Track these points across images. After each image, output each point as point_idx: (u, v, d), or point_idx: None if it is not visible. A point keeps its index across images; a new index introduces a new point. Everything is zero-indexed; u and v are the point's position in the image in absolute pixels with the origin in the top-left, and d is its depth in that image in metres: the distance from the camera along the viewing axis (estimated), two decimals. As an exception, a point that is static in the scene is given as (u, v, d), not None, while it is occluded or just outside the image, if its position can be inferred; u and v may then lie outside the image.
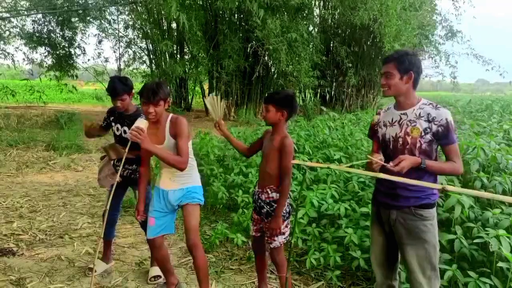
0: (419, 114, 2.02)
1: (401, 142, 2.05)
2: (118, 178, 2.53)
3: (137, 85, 16.77)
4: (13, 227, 4.03)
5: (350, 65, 13.88)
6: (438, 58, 18.34)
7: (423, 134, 1.99)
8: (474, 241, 2.62)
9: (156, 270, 3.07)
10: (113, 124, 3.01)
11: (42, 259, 3.36)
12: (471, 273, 2.46)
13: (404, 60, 2.02)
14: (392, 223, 2.10)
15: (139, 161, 2.75)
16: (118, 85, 2.79)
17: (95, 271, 3.01)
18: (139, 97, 2.51)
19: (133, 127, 2.34)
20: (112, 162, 3.04)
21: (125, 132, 2.92)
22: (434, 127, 1.97)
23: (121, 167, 2.54)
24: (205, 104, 15.16)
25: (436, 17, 18.44)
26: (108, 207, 2.56)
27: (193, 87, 15.85)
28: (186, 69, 13.43)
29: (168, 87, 2.61)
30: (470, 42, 31.08)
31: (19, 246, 3.60)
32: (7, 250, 3.47)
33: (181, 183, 2.61)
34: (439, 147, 2.07)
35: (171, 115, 2.58)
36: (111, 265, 3.23)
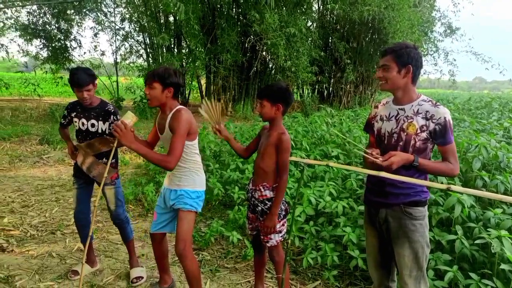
0: (417, 110, 1.94)
1: (395, 138, 1.98)
2: (106, 173, 2.41)
3: (134, 79, 16.61)
4: (4, 222, 3.94)
5: (349, 61, 13.77)
6: (437, 55, 18.32)
7: (418, 131, 1.91)
8: (475, 241, 2.57)
9: (137, 271, 2.99)
10: (75, 120, 2.83)
11: (33, 256, 3.28)
12: (472, 274, 2.40)
13: (402, 53, 1.93)
14: (381, 222, 2.04)
15: (108, 155, 2.66)
16: (82, 75, 2.64)
17: (78, 274, 2.92)
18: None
19: (118, 121, 2.25)
20: (94, 157, 2.86)
21: (92, 126, 2.78)
22: (432, 125, 1.89)
23: (109, 158, 2.43)
24: (202, 103, 15.06)
25: (435, 14, 18.38)
26: (97, 202, 2.46)
27: (190, 82, 15.70)
28: (183, 63, 13.28)
29: (179, 77, 2.43)
30: (470, 40, 31.10)
31: (9, 242, 3.51)
32: (-4, 246, 3.38)
33: (176, 183, 2.48)
34: (435, 147, 1.99)
35: (178, 107, 2.41)
36: (96, 268, 3.11)
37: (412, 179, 1.62)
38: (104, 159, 2.84)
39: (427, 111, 1.92)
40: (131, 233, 3.06)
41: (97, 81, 2.80)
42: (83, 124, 2.80)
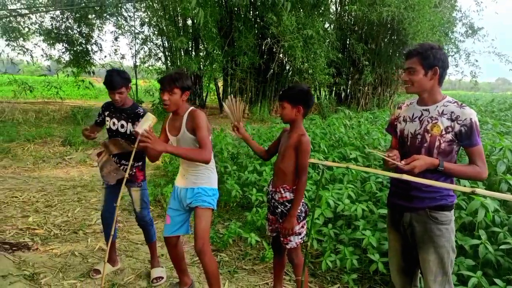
0: (442, 111, 1.90)
1: (419, 139, 1.93)
2: (126, 174, 2.45)
3: (153, 82, 16.87)
4: (29, 222, 4.06)
5: (367, 62, 13.65)
6: (458, 56, 17.94)
7: (443, 132, 1.87)
8: (500, 247, 2.50)
9: (157, 272, 3.03)
10: (108, 119, 2.93)
11: (56, 254, 3.36)
12: (497, 280, 2.34)
13: (428, 55, 1.88)
14: (406, 226, 2.00)
15: (136, 157, 2.69)
16: (116, 78, 2.73)
17: (100, 273, 2.98)
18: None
19: (138, 128, 2.26)
20: (112, 157, 2.93)
21: (122, 126, 2.86)
22: (457, 127, 1.85)
23: (130, 161, 2.46)
24: (220, 102, 15.19)
25: (456, 14, 18.00)
26: (118, 203, 2.48)
27: (207, 84, 15.83)
28: (201, 66, 13.42)
29: (190, 80, 2.51)
30: (493, 41, 30.31)
31: (34, 241, 3.61)
32: (22, 245, 3.48)
33: (192, 182, 2.51)
34: (461, 149, 1.95)
35: (191, 108, 2.48)
36: (118, 268, 3.17)
37: (435, 182, 1.59)
38: (122, 161, 2.90)
39: (452, 112, 1.87)
40: (154, 235, 3.09)
41: (130, 84, 2.86)
42: (113, 124, 2.90)
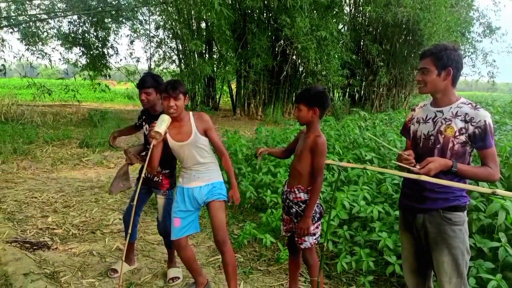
0: (456, 113, 1.89)
1: (432, 141, 1.93)
2: (139, 186, 2.51)
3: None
4: (48, 222, 4.16)
5: (381, 63, 13.53)
6: (475, 56, 17.62)
7: (457, 134, 1.86)
8: (521, 250, 2.45)
9: (174, 272, 3.06)
10: (144, 124, 3.01)
11: (75, 254, 3.44)
12: (517, 284, 2.29)
13: (442, 55, 1.88)
14: (419, 227, 1.99)
15: (163, 164, 2.76)
16: (148, 78, 2.82)
17: (117, 272, 3.03)
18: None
19: (157, 128, 2.39)
20: (128, 166, 3.03)
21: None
22: (471, 128, 1.84)
23: (144, 169, 2.55)
24: (233, 104, 15.26)
25: (473, 14, 17.69)
26: (135, 202, 2.53)
27: (221, 86, 15.92)
28: (214, 68, 13.52)
29: (186, 85, 2.65)
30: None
31: (53, 240, 3.70)
32: (42, 244, 3.57)
33: (206, 179, 2.61)
34: (474, 151, 1.93)
35: (191, 112, 2.62)
36: (134, 267, 3.21)
37: (454, 183, 1.58)
38: (161, 170, 2.88)
39: (466, 114, 1.86)
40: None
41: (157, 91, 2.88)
42: (146, 129, 2.97)
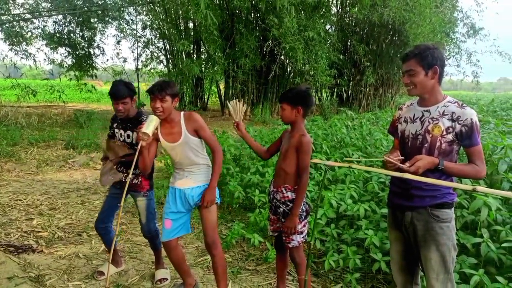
0: (443, 112, 1.92)
1: (420, 140, 1.96)
2: (125, 176, 2.46)
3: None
4: (33, 224, 4.09)
5: (368, 63, 13.67)
6: (459, 56, 17.94)
7: (444, 133, 1.89)
8: (502, 245, 2.51)
9: (162, 273, 3.04)
10: (116, 130, 2.92)
11: (61, 257, 3.39)
12: (499, 278, 2.35)
13: (427, 55, 1.91)
14: (407, 225, 2.02)
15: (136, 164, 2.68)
16: (121, 88, 2.72)
17: (104, 274, 2.99)
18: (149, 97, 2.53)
19: (145, 129, 2.34)
20: (113, 163, 2.92)
21: (128, 136, 2.85)
22: (458, 127, 1.87)
23: (131, 170, 2.48)
24: (222, 104, 15.21)
25: (457, 14, 18.01)
26: (122, 203, 2.48)
27: (209, 87, 15.88)
28: (203, 68, 13.47)
29: (177, 87, 2.60)
30: (495, 40, 30.31)
31: (38, 243, 3.64)
32: (27, 247, 3.51)
33: (199, 180, 2.59)
34: (461, 149, 1.97)
35: (182, 112, 2.58)
36: (121, 269, 3.18)
37: (437, 181, 1.61)
38: (136, 170, 2.84)
39: (453, 113, 1.90)
40: (159, 244, 3.03)
41: (135, 97, 2.84)
42: (121, 135, 2.90)
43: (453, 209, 1.98)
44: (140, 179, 2.86)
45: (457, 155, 1.96)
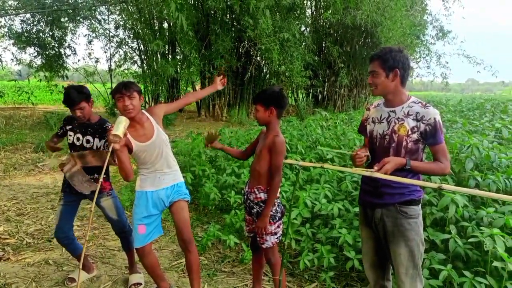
0: (408, 112, 1.99)
1: (387, 140, 2.02)
2: (99, 186, 2.35)
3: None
4: None
5: (342, 65, 13.90)
6: (429, 58, 18.50)
7: (410, 132, 1.96)
8: (469, 240, 2.61)
9: (135, 278, 2.99)
10: (70, 133, 2.83)
11: (29, 264, 3.27)
12: (466, 272, 2.43)
13: (388, 58, 1.98)
14: (377, 222, 2.08)
15: (100, 170, 2.64)
16: (74, 94, 2.64)
17: (75, 281, 2.91)
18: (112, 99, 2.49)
19: (115, 130, 2.22)
20: (81, 168, 2.82)
21: (88, 142, 2.78)
22: (422, 126, 1.94)
23: (101, 174, 2.34)
24: (198, 105, 15.13)
25: (427, 17, 18.59)
26: (93, 208, 2.42)
27: (185, 88, 15.73)
28: (178, 69, 13.32)
29: (149, 86, 2.61)
30: (462, 43, 31.45)
31: (5, 251, 3.50)
32: (-8, 255, 3.37)
33: (172, 180, 2.59)
34: (426, 147, 2.04)
35: (144, 110, 2.56)
36: (93, 275, 3.11)
37: (405, 179, 1.66)
38: (95, 175, 2.82)
39: (417, 113, 1.96)
40: (132, 243, 2.99)
41: (92, 99, 2.76)
42: (78, 139, 2.79)
43: (420, 205, 2.05)
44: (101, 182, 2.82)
45: (423, 152, 2.03)
